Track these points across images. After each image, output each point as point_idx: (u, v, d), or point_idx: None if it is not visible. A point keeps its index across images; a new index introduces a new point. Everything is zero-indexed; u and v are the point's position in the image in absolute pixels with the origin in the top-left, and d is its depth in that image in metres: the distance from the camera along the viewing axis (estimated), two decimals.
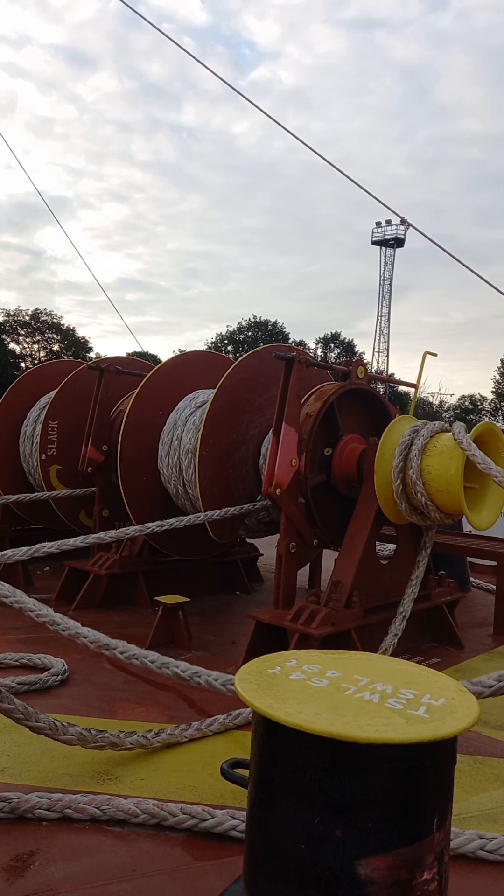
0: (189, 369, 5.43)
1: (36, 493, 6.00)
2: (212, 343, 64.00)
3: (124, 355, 8.47)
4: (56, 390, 6.23)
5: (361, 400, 4.55)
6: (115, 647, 2.60)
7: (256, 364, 4.80)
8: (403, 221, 7.07)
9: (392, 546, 4.72)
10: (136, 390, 5.15)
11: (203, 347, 52.37)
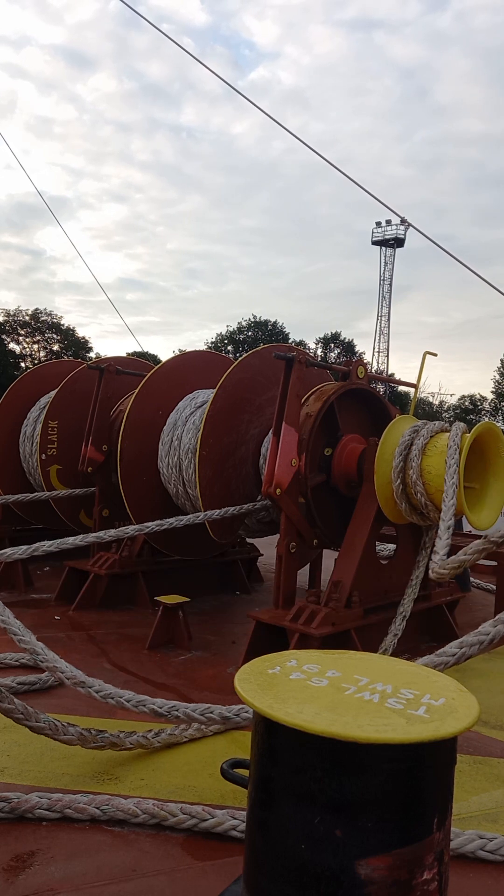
0: (189, 369, 5.43)
1: (36, 493, 5.99)
2: (212, 343, 63.98)
3: (124, 355, 8.47)
4: (56, 390, 6.23)
5: (361, 400, 4.55)
6: (91, 686, 2.63)
7: (256, 364, 4.81)
8: (403, 221, 7.07)
9: (392, 546, 4.71)
10: (136, 390, 5.15)
11: (203, 347, 52.36)
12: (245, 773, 1.45)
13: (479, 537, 5.35)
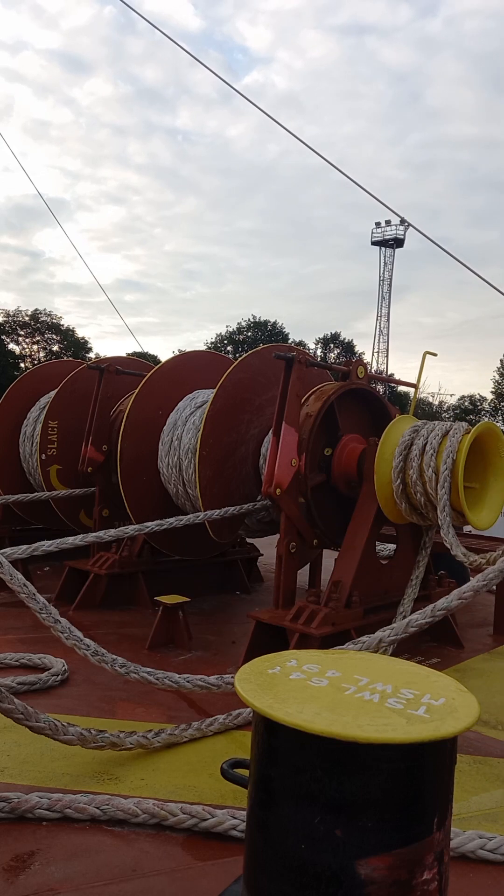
0: (189, 369, 5.43)
1: (36, 493, 5.99)
2: (211, 343, 63.92)
3: (124, 355, 8.49)
4: (56, 390, 6.23)
5: (361, 400, 4.55)
6: (115, 661, 2.68)
7: (256, 364, 4.80)
8: (403, 222, 7.09)
9: (392, 546, 4.71)
10: (136, 390, 5.15)
11: (202, 348, 52.27)
12: (245, 773, 1.45)
13: (480, 537, 5.37)
